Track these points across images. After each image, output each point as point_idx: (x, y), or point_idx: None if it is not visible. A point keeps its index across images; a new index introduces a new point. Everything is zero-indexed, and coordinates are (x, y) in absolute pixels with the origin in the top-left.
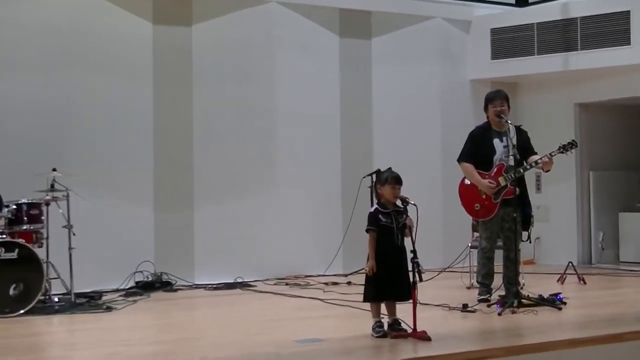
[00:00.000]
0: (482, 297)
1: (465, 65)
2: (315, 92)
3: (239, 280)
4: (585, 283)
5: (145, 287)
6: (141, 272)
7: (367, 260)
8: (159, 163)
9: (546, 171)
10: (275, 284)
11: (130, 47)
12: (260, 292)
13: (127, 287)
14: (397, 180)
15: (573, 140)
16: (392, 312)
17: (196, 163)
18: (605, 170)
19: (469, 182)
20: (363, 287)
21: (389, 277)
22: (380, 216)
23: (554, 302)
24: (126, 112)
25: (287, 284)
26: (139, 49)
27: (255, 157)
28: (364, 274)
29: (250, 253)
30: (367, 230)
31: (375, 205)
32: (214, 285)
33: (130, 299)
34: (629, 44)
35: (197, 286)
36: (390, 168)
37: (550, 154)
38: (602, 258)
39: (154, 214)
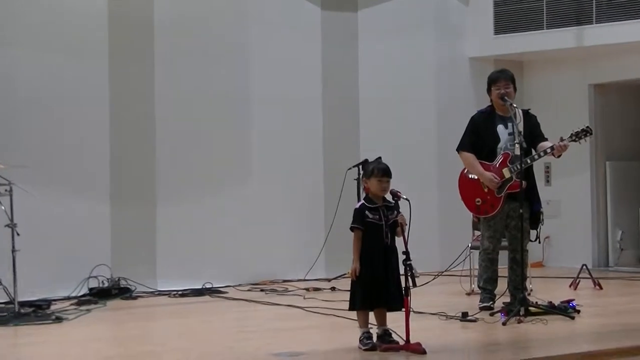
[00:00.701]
0: (484, 304)
1: (464, 41)
2: (294, 72)
3: (208, 286)
4: (601, 288)
5: (100, 295)
6: (96, 277)
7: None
8: (116, 153)
9: (558, 156)
10: (249, 290)
11: (82, 20)
12: (233, 299)
13: (79, 295)
14: (385, 173)
15: (587, 126)
16: (381, 321)
17: (159, 153)
18: (624, 161)
19: (469, 174)
20: (349, 293)
21: (378, 281)
22: (367, 212)
23: (566, 310)
24: (78, 95)
25: (262, 290)
26: (92, 23)
27: (227, 147)
28: (349, 279)
29: (221, 255)
30: (351, 228)
31: (362, 201)
32: (179, 292)
33: (83, 308)
34: None
35: (160, 293)
36: (379, 158)
37: (561, 140)
38: (620, 260)
39: (110, 210)
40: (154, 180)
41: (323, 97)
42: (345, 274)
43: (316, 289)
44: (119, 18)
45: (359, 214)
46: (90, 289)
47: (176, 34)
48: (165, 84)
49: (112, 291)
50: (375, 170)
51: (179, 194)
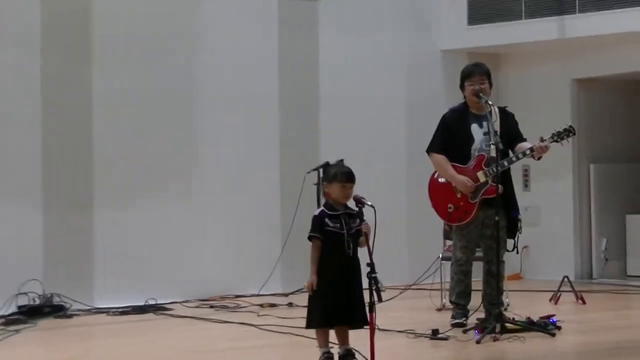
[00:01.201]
0: (457, 320)
1: (435, 32)
2: (247, 65)
3: (152, 302)
4: (584, 303)
5: (30, 313)
6: (26, 294)
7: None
8: (49, 155)
9: (537, 158)
10: (197, 307)
11: (10, 8)
12: (179, 317)
13: (7, 314)
14: (348, 177)
15: (570, 126)
16: (343, 340)
17: (97, 155)
18: (610, 163)
19: (440, 178)
20: (306, 309)
21: (338, 296)
22: (326, 220)
23: (546, 326)
24: (6, 91)
25: (212, 307)
26: (23, 11)
27: (172, 148)
28: (308, 295)
29: (166, 268)
30: (309, 238)
31: (322, 207)
32: (120, 310)
33: (12, 328)
34: (639, 5)
35: (98, 311)
36: (341, 161)
37: (541, 140)
38: (605, 271)
39: (42, 218)
40: (91, 185)
41: (280, 93)
42: (303, 288)
43: (272, 305)
44: (53, 6)
45: (317, 222)
46: (20, 307)
47: (115, 22)
48: (104, 79)
49: (44, 309)
50: (338, 175)
51: (119, 200)
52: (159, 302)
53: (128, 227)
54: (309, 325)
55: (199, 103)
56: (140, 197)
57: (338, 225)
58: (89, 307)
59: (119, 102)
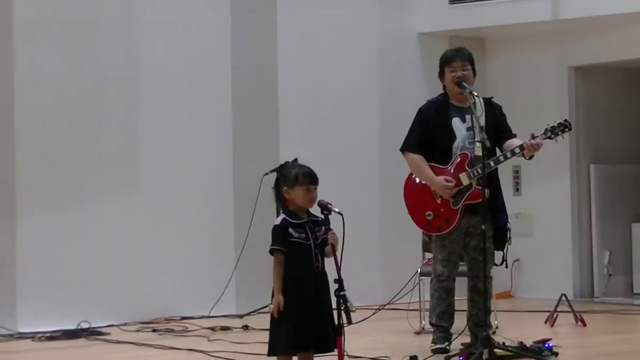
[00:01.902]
0: (438, 345)
1: (412, 12)
2: (195, 49)
3: (84, 326)
4: (584, 325)
5: None
6: None
7: (272, 295)
8: None
9: (529, 157)
10: (137, 331)
11: None
12: (116, 342)
13: None
14: (312, 179)
15: (565, 120)
16: None
17: (19, 155)
18: (613, 163)
19: (418, 181)
20: (268, 333)
21: (305, 317)
22: (290, 230)
23: (540, 352)
24: None
25: (155, 331)
26: None
27: (108, 147)
28: (269, 315)
29: (101, 286)
30: (271, 251)
31: (282, 215)
32: (47, 334)
33: None
34: None
35: (22, 336)
36: (295, 160)
37: (532, 137)
38: (608, 289)
39: None
40: (13, 190)
41: (233, 81)
42: (261, 309)
43: (224, 328)
44: None
45: (280, 232)
46: None
47: (41, 2)
48: (28, 65)
49: None
50: (300, 177)
51: (47, 208)
52: (92, 325)
53: (57, 239)
54: (272, 352)
55: (140, 91)
56: (71, 205)
57: (303, 235)
58: (10, 332)
59: (46, 91)
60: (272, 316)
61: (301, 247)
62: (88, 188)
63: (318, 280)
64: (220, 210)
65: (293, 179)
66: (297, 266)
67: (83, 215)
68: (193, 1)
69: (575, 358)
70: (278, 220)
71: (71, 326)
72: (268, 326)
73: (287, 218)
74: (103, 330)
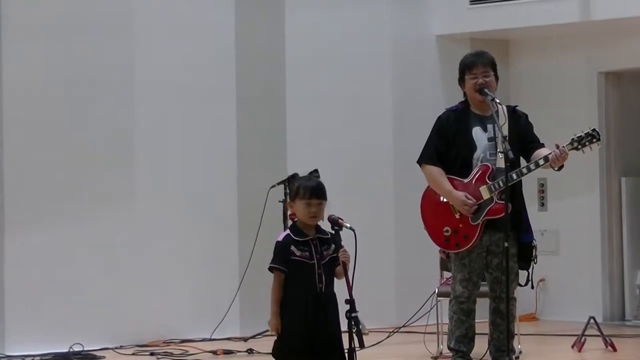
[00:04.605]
0: None
1: (430, 12)
2: (198, 50)
3: (77, 349)
4: (614, 350)
5: None
6: None
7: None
8: None
9: (557, 169)
10: (134, 354)
11: None
12: None
13: None
14: (314, 192)
15: (593, 129)
16: None
17: (7, 166)
18: None
19: (436, 194)
20: (270, 356)
21: (310, 340)
22: (292, 248)
23: None
24: None
25: (153, 354)
26: None
27: (103, 155)
28: (273, 338)
29: (95, 307)
30: (270, 269)
31: (287, 231)
32: (38, 358)
33: None
34: None
35: (11, 359)
36: (314, 172)
37: (559, 147)
38: None
39: None
40: (2, 205)
41: (237, 85)
42: (266, 331)
43: (227, 352)
44: None
45: (281, 250)
46: None
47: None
48: (16, 69)
49: None
50: (301, 190)
51: (37, 225)
52: (86, 348)
53: (48, 257)
54: None
55: (138, 98)
56: (63, 218)
57: (307, 253)
58: None
59: (36, 96)
60: (276, 339)
61: (303, 267)
62: (82, 205)
63: (321, 303)
64: (223, 226)
65: (294, 191)
66: (297, 287)
67: (77, 232)
68: (196, 2)
69: None
70: (281, 236)
71: (63, 349)
72: (271, 349)
73: (291, 234)
74: (97, 353)
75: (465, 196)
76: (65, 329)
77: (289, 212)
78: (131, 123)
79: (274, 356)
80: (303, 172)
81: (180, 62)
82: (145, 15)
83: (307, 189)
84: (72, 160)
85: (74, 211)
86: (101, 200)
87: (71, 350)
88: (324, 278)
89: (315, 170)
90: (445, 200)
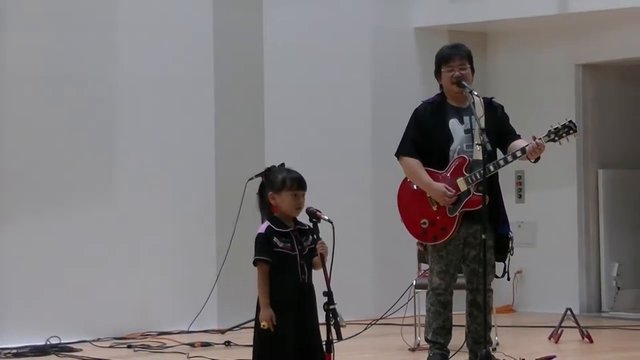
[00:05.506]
0: None
1: (409, 4)
2: (177, 41)
3: (54, 341)
4: (591, 341)
5: None
6: None
7: (257, 309)
8: None
9: (534, 161)
10: (111, 347)
11: None
12: (88, 359)
13: None
14: (300, 184)
15: (570, 121)
16: None
17: None
18: (623, 168)
19: (413, 186)
20: (251, 350)
21: (291, 332)
22: (275, 239)
23: None
24: None
25: (130, 347)
26: None
27: (81, 148)
28: (253, 331)
29: (72, 299)
30: (254, 262)
31: (267, 223)
32: (14, 351)
33: None
34: None
35: None
36: (282, 165)
37: (535, 139)
38: (616, 302)
39: None
40: None
41: (215, 80)
42: (244, 324)
43: (205, 345)
44: None
45: (265, 242)
46: None
47: None
48: None
49: None
50: (288, 181)
51: (13, 214)
52: (63, 341)
53: (24, 250)
54: None
55: (118, 92)
56: (41, 210)
57: (289, 244)
58: None
59: (15, 91)
60: (256, 332)
61: (286, 258)
62: (60, 198)
63: (304, 294)
64: (201, 218)
65: (280, 183)
66: (282, 278)
67: (54, 225)
68: None
69: None
70: (262, 228)
71: (40, 342)
72: (251, 342)
73: (272, 226)
74: (74, 346)
75: (446, 187)
76: (42, 322)
77: (269, 204)
78: (110, 117)
79: (259, 348)
80: (278, 164)
81: (158, 54)
82: (124, 6)
83: (294, 180)
84: (50, 152)
85: (52, 204)
86: (79, 193)
87: (48, 343)
88: (305, 269)
89: (282, 164)
90: (418, 190)
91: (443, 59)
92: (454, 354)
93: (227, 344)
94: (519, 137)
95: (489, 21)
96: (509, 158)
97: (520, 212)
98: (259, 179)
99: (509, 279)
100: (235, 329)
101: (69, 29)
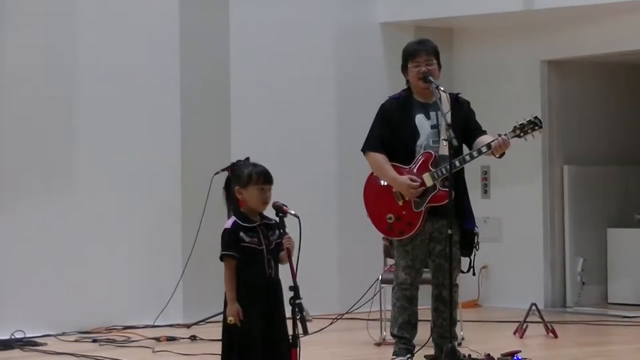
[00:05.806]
0: (400, 358)
1: (373, 0)
2: (142, 35)
3: (19, 335)
4: (556, 336)
5: None
6: None
7: (224, 304)
8: None
9: (499, 156)
10: (76, 341)
11: None
12: (53, 353)
13: None
14: (266, 178)
15: (535, 117)
16: None
17: None
18: (588, 165)
19: (379, 181)
20: (218, 345)
21: (258, 327)
22: (241, 234)
23: None
24: None
25: (95, 341)
26: None
27: (42, 141)
28: (222, 326)
29: (36, 293)
30: (221, 257)
31: (234, 218)
32: None
33: None
34: None
35: None
36: (248, 159)
37: (501, 135)
38: (581, 298)
39: None
40: None
41: (182, 76)
42: (209, 318)
43: (170, 339)
44: None
45: (231, 237)
46: None
47: None
48: None
49: None
50: (254, 176)
51: None
52: (27, 335)
53: None
54: None
55: (79, 86)
56: (2, 202)
57: (255, 239)
58: None
59: None
60: (224, 327)
61: (253, 253)
62: (22, 190)
63: (270, 288)
64: (167, 212)
65: (246, 178)
66: (248, 273)
67: (16, 217)
68: None
69: None
70: (229, 223)
71: (4, 336)
72: (217, 337)
73: (239, 221)
74: (39, 340)
75: (410, 178)
76: (6, 316)
77: (236, 199)
78: (74, 110)
79: (227, 342)
80: (247, 157)
81: (123, 47)
82: (86, 6)
83: (260, 174)
84: (9, 143)
85: (13, 196)
86: (41, 184)
87: (12, 337)
88: (272, 263)
89: (247, 159)
90: (386, 184)
91: (409, 55)
92: (419, 349)
93: (193, 338)
94: (485, 132)
95: (455, 17)
96: (475, 153)
97: (486, 208)
98: (225, 174)
99: (474, 274)
100: (201, 323)
101: (32, 19)
